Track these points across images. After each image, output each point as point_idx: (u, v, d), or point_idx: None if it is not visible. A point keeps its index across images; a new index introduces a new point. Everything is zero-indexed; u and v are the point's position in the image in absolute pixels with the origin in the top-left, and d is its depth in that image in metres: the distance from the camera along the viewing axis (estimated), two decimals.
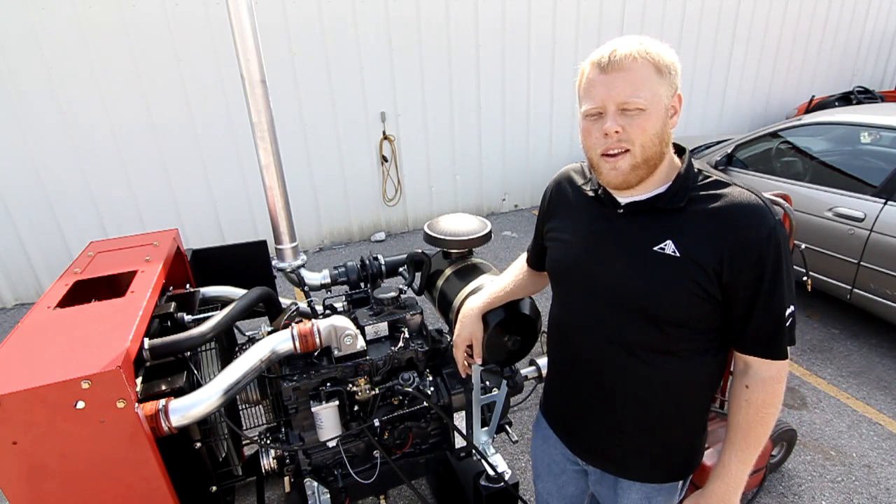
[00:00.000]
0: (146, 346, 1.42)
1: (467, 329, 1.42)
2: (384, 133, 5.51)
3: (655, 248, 1.03)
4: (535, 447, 1.51)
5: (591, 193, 1.17)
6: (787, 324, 1.02)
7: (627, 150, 0.99)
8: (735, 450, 1.10)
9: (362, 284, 2.06)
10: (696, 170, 1.07)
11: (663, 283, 1.02)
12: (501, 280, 1.47)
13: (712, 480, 1.14)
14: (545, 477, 1.48)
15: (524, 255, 1.48)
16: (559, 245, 1.23)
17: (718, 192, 1.01)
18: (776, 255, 0.98)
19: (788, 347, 1.04)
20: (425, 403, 1.69)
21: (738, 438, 1.09)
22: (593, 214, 1.16)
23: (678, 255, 1.01)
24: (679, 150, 1.10)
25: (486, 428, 1.99)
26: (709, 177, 1.05)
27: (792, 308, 1.02)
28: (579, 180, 1.23)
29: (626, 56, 0.96)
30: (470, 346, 1.46)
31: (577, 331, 1.22)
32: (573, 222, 1.21)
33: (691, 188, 1.03)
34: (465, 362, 1.51)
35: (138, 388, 1.34)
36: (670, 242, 1.02)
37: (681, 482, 1.25)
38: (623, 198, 1.09)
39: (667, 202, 1.04)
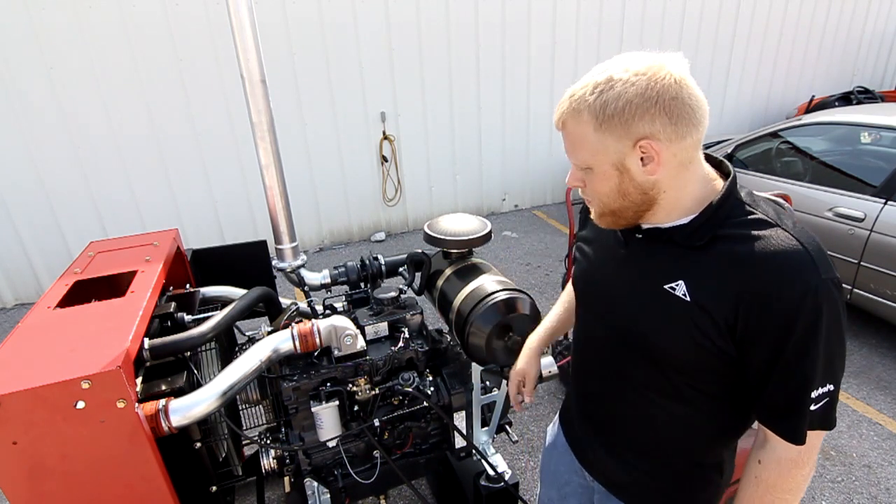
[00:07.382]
0: (146, 346, 1.42)
1: (521, 365, 1.43)
2: (384, 133, 5.51)
3: (666, 287, 0.92)
4: (545, 451, 1.50)
5: None
6: (814, 406, 0.84)
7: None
8: None
9: (362, 284, 2.06)
10: (739, 201, 0.90)
11: (666, 325, 0.92)
12: (555, 309, 1.45)
13: None
14: (548, 483, 1.45)
15: None
16: (582, 260, 1.20)
17: (755, 232, 0.85)
18: (812, 321, 0.80)
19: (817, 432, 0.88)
20: (425, 403, 1.69)
21: None
22: (615, 234, 1.07)
23: (688, 299, 0.88)
24: (725, 173, 0.95)
25: (486, 428, 1.99)
26: (752, 213, 0.88)
27: (826, 388, 0.84)
28: None
29: (558, 120, 0.91)
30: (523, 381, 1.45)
31: (589, 347, 1.19)
32: (596, 238, 1.16)
33: (722, 224, 0.88)
34: (518, 397, 1.49)
35: (138, 388, 1.34)
36: (682, 283, 0.90)
37: None
38: (644, 222, 0.97)
39: (685, 237, 0.90)
